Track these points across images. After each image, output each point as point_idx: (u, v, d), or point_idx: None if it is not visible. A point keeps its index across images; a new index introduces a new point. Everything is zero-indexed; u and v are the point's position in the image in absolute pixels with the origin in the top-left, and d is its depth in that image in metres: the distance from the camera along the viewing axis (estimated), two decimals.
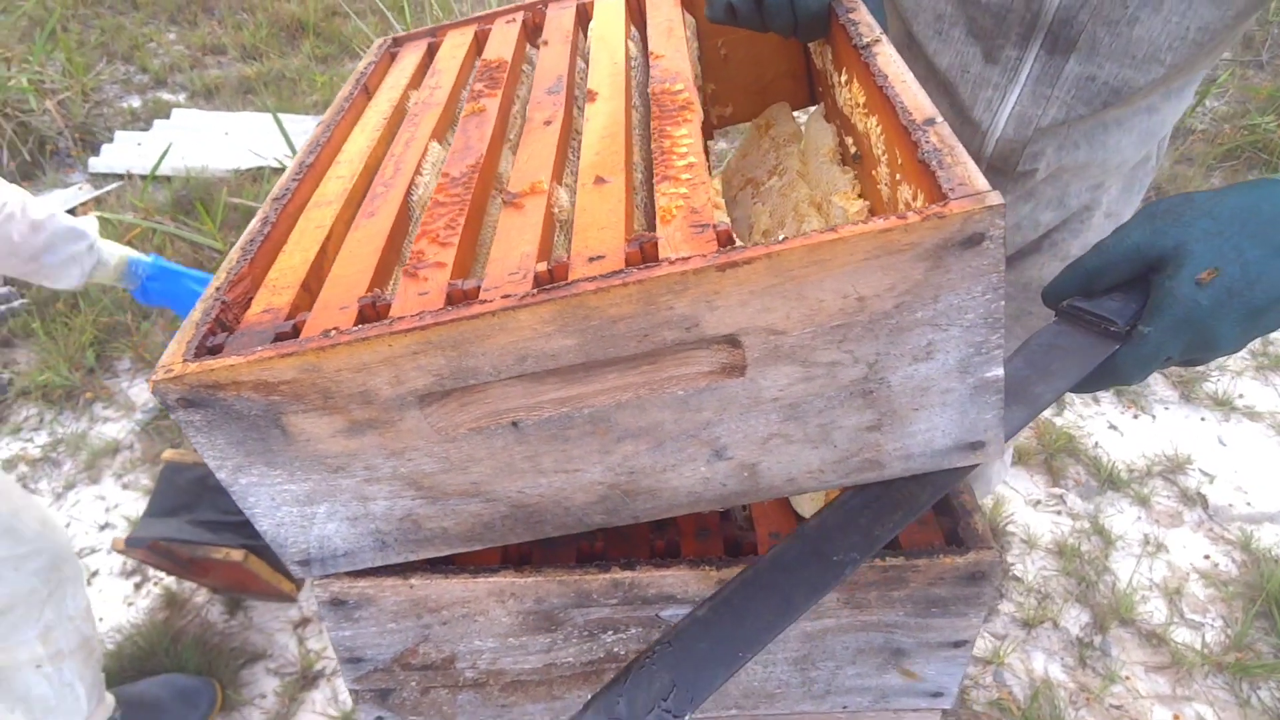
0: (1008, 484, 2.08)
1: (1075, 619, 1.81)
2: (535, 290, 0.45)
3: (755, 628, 0.49)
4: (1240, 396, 2.26)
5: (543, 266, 0.47)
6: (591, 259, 0.46)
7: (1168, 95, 0.95)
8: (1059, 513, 2.02)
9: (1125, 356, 0.55)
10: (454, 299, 0.46)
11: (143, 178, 3.02)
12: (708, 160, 0.66)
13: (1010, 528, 1.97)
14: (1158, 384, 2.31)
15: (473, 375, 0.46)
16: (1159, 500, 2.03)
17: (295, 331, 0.48)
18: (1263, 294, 0.51)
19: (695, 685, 0.46)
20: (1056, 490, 2.07)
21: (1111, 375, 0.56)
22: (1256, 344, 2.40)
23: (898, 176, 0.54)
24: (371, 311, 0.48)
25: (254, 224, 0.59)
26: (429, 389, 0.47)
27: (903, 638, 0.65)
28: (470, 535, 0.57)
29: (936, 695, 0.70)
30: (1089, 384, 0.57)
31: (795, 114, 0.95)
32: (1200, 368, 2.33)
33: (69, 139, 3.17)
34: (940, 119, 0.50)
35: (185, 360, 0.47)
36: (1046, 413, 2.23)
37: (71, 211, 2.89)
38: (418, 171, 0.62)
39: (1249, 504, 2.02)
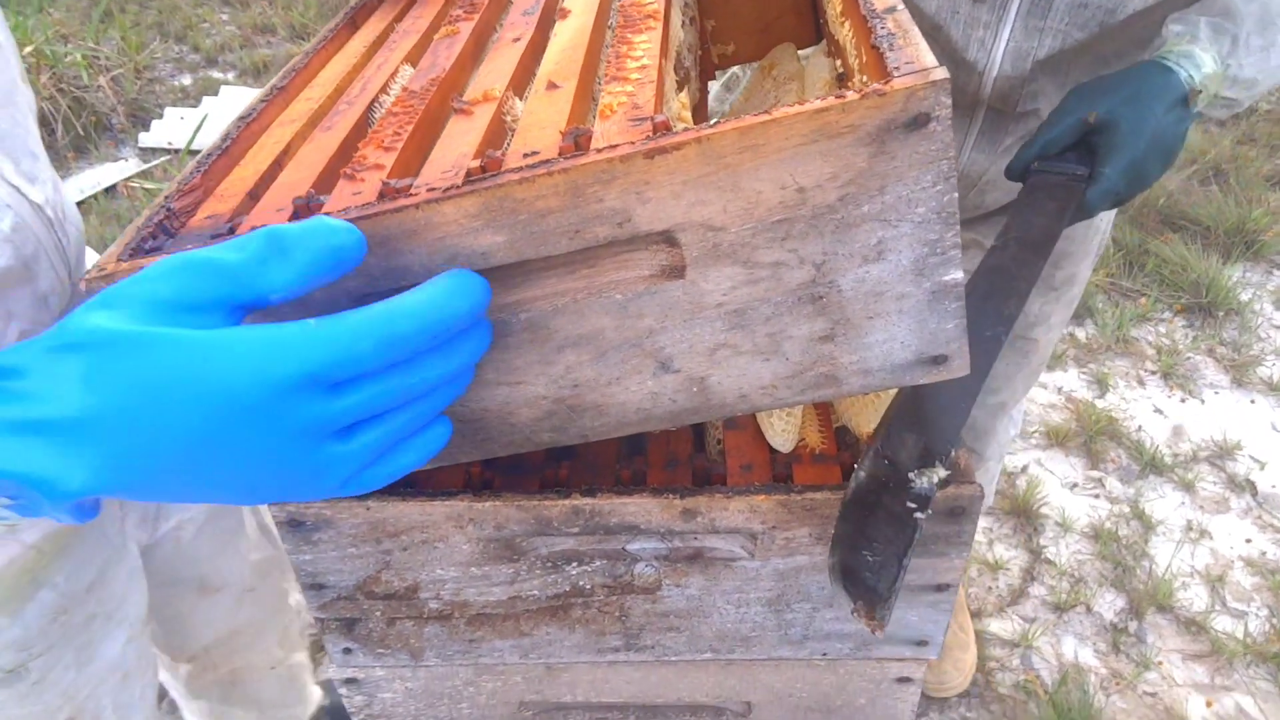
0: (1042, 465, 2.01)
1: (1110, 604, 1.75)
2: (462, 183, 0.43)
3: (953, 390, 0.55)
4: None
5: (476, 163, 0.45)
6: (526, 154, 0.45)
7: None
8: (1097, 496, 1.95)
9: (1094, 193, 0.71)
10: (385, 195, 0.45)
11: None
12: (667, 64, 0.63)
13: (1044, 510, 1.91)
14: (1208, 368, 2.22)
15: (404, 275, 0.45)
16: (1204, 486, 1.95)
17: (232, 233, 0.48)
18: (1170, 138, 0.73)
19: (943, 439, 0.54)
20: (1095, 473, 2.00)
21: (1082, 212, 0.71)
22: None
23: (865, 79, 0.51)
24: (305, 211, 0.47)
25: (214, 140, 0.58)
26: (361, 290, 0.45)
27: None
28: None
29: (921, 644, 0.67)
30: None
31: (801, 53, 0.92)
32: (1245, 354, 2.23)
33: (121, 115, 3.25)
34: (901, 7, 0.47)
35: (119, 260, 0.46)
36: (1087, 394, 2.16)
37: (113, 187, 2.97)
38: (383, 90, 0.61)
39: None
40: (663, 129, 0.44)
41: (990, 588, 1.80)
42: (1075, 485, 1.97)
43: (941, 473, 0.53)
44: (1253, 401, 2.13)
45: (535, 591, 0.64)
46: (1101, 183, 0.71)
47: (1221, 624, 1.69)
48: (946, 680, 1.59)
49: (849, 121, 0.40)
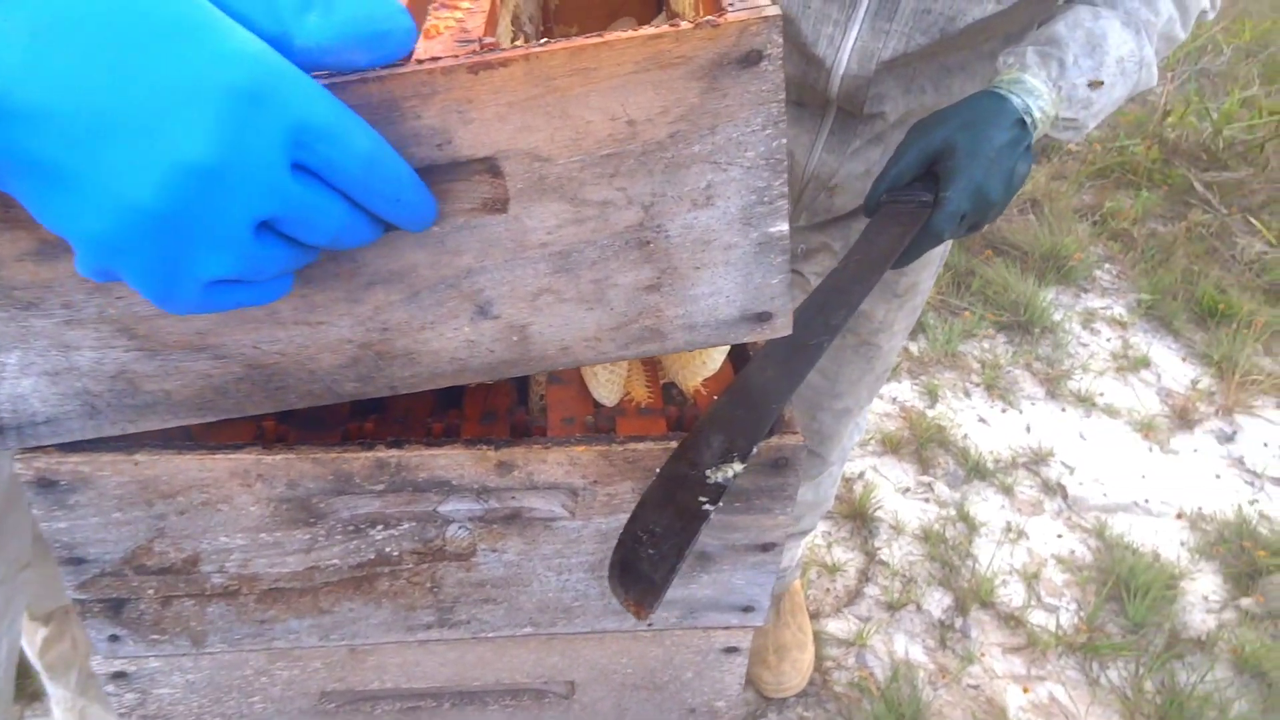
0: (878, 470, 2.09)
1: (938, 602, 1.82)
2: None
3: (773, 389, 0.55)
4: (1101, 394, 2.33)
5: None
6: None
7: (1008, 42, 0.96)
8: (927, 500, 2.04)
9: (938, 217, 0.73)
10: None
11: None
12: (504, 10, 0.60)
13: (879, 513, 1.97)
14: (1025, 381, 2.37)
15: None
16: (1022, 490, 2.07)
17: None
18: (1008, 159, 0.75)
19: (746, 438, 0.53)
20: (925, 478, 2.09)
21: (930, 235, 0.73)
22: (1117, 347, 2.49)
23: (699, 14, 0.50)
24: None
25: None
26: None
27: (706, 539, 0.60)
28: (200, 402, 0.50)
29: (747, 610, 0.65)
30: (913, 250, 0.74)
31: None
32: (1057, 368, 2.40)
33: None
34: None
35: None
36: (919, 404, 2.26)
37: None
38: None
39: (1105, 494, 2.08)
40: (490, 49, 0.40)
41: (829, 589, 1.84)
42: (908, 490, 2.06)
43: (738, 467, 0.52)
44: (1063, 410, 2.29)
45: (336, 560, 0.58)
46: (945, 206, 0.73)
47: (1036, 618, 1.79)
48: (785, 681, 1.61)
49: (682, 52, 0.39)
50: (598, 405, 0.60)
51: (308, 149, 0.34)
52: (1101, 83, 0.80)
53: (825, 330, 0.57)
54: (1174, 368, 2.45)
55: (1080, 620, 1.79)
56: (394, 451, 0.53)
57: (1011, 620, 1.79)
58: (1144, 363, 2.45)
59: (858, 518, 1.97)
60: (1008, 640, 1.77)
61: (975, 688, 1.68)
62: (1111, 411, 2.30)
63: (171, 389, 0.49)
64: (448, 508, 0.57)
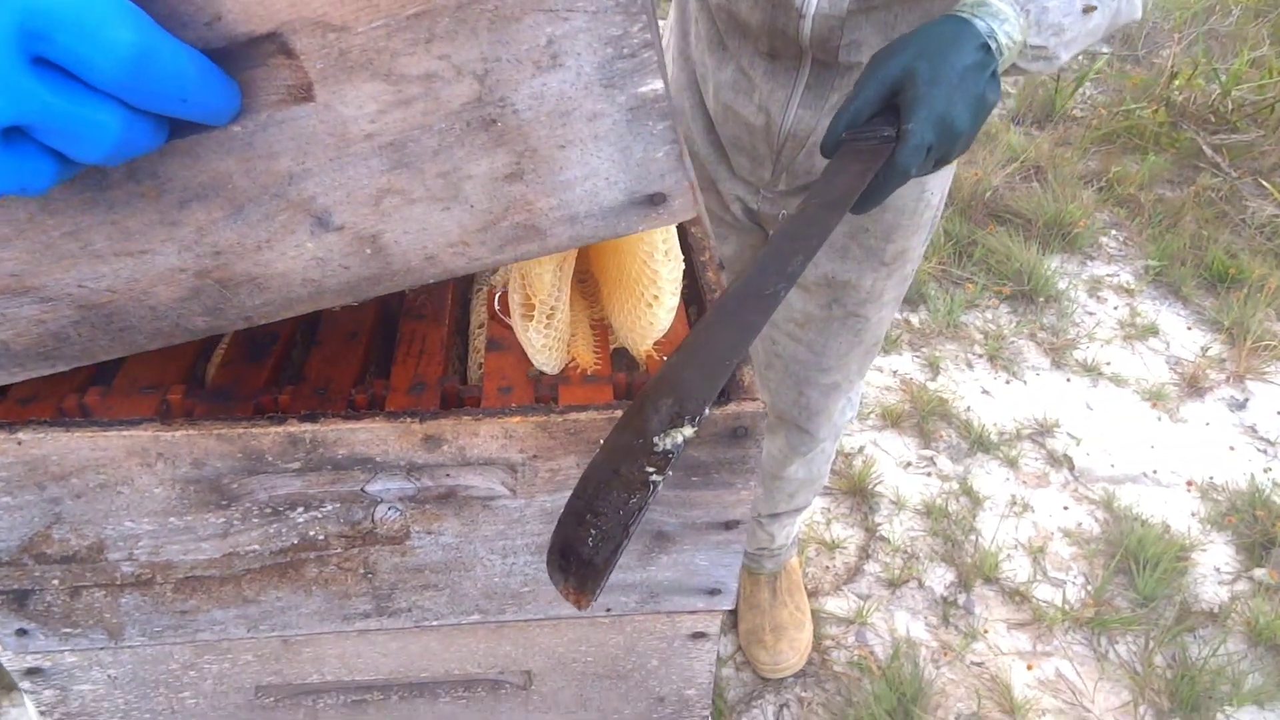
0: (878, 445, 2.03)
1: (940, 578, 1.77)
2: None
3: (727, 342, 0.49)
4: (1108, 364, 2.27)
5: None
6: None
7: None
8: (929, 474, 1.98)
9: (902, 151, 0.67)
10: None
11: None
12: None
13: (879, 489, 1.92)
14: (1030, 351, 2.31)
15: None
16: (1027, 462, 2.02)
17: None
18: (974, 84, 0.70)
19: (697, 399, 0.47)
20: (927, 452, 2.03)
21: (895, 172, 0.67)
22: (1125, 315, 2.43)
23: None
24: None
25: None
26: None
27: (663, 517, 0.55)
28: (42, 351, 0.44)
29: (713, 593, 0.60)
30: (877, 189, 0.68)
31: None
32: (1062, 338, 2.34)
33: None
34: None
35: None
36: (920, 376, 2.20)
37: None
38: None
39: (1113, 465, 2.02)
40: None
41: (827, 567, 1.79)
42: (909, 464, 2.00)
43: (688, 431, 0.46)
44: (1069, 380, 2.22)
45: (255, 546, 0.53)
46: (909, 139, 0.67)
47: (1042, 593, 1.74)
48: (782, 661, 1.56)
49: None
50: (540, 373, 0.54)
51: (49, 42, 0.29)
52: (1094, 7, 0.73)
53: (782, 278, 0.51)
54: (1183, 335, 2.38)
55: (1088, 594, 1.74)
56: (308, 426, 0.48)
57: (1016, 596, 1.74)
58: (1152, 330, 2.38)
59: (858, 493, 1.92)
60: (1012, 616, 1.72)
61: (979, 665, 1.63)
62: (1119, 381, 2.24)
63: (8, 339, 0.44)
64: (376, 487, 0.52)
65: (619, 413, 0.50)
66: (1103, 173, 2.98)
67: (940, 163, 0.72)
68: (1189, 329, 2.41)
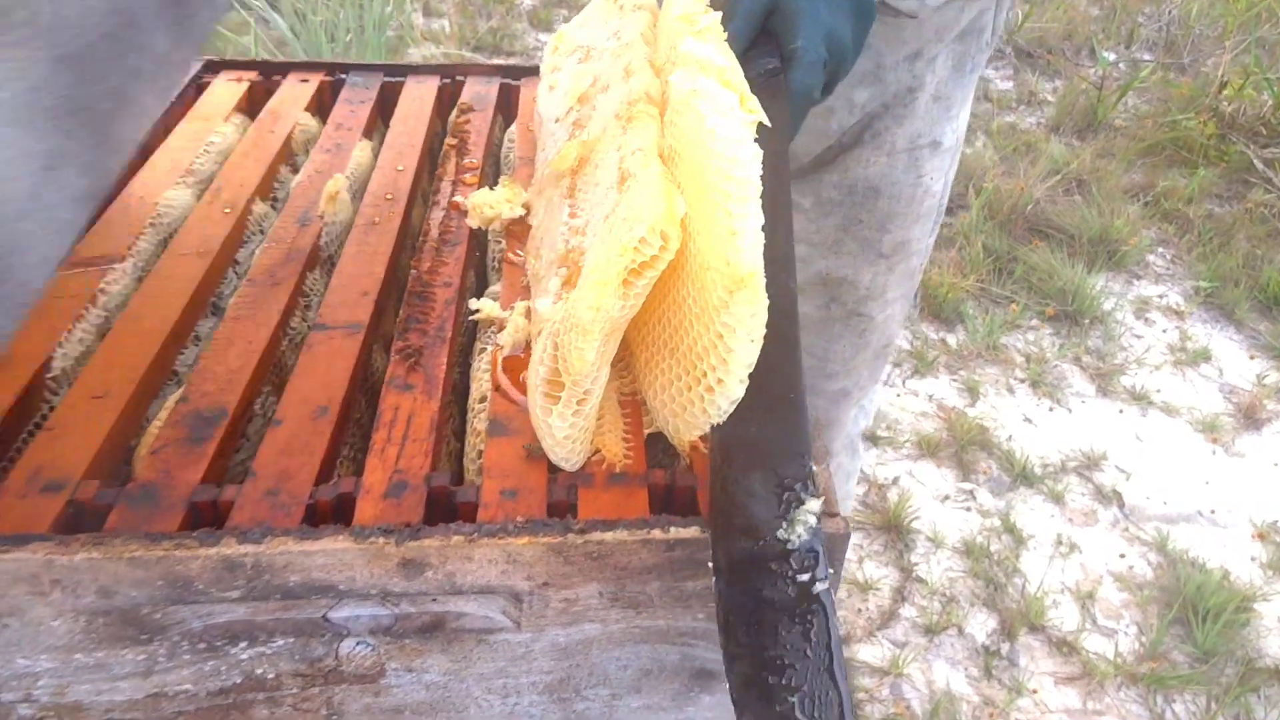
0: (913, 476, 1.91)
1: (982, 625, 1.64)
2: None
3: None
4: (1158, 391, 2.13)
5: None
6: None
7: None
8: (968, 509, 1.85)
9: (797, 76, 0.61)
10: None
11: None
12: None
13: (916, 524, 1.80)
14: (1074, 377, 2.18)
15: None
16: (1073, 497, 1.89)
17: None
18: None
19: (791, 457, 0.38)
20: (966, 485, 1.90)
21: (798, 99, 0.61)
22: (1174, 339, 2.29)
23: None
24: None
25: None
26: None
27: (704, 653, 0.43)
28: None
29: None
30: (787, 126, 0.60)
31: None
32: (1109, 363, 2.20)
33: None
34: None
35: None
36: (959, 402, 2.08)
37: None
38: None
39: (1165, 503, 1.88)
40: None
41: (860, 609, 1.67)
42: (947, 497, 1.88)
43: (814, 505, 0.35)
44: (1118, 409, 2.09)
45: (187, 686, 0.42)
46: (801, 58, 0.61)
47: (1092, 643, 1.61)
48: None
49: None
50: (554, 469, 0.43)
51: None
52: None
53: (777, 266, 0.41)
54: (1238, 361, 2.24)
55: (1142, 646, 1.61)
56: (249, 547, 0.37)
57: (1064, 646, 1.61)
58: (1204, 356, 2.24)
59: (892, 529, 1.80)
60: (1060, 669, 1.59)
61: None
62: (1170, 410, 2.10)
63: None
64: (341, 614, 0.40)
65: (657, 533, 0.38)
66: (1148, 186, 2.84)
67: (830, 84, 0.65)
68: (1248, 353, 2.26)
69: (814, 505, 0.36)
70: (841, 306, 1.05)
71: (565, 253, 0.45)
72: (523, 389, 0.44)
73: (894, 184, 0.95)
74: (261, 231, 0.61)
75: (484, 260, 0.63)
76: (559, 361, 0.39)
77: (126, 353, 0.47)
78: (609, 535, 0.38)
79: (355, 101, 0.75)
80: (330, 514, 0.41)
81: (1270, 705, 1.51)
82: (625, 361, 0.48)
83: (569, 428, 0.40)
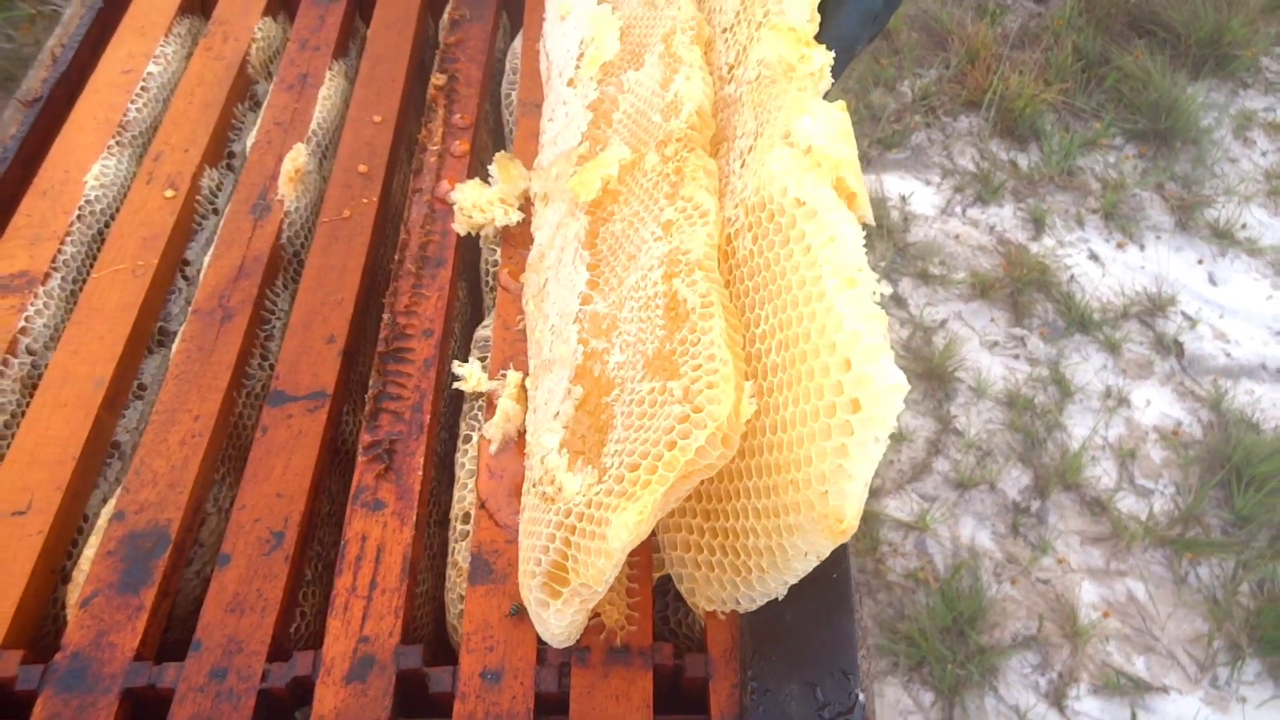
0: (962, 319, 1.81)
1: (1015, 481, 1.62)
2: None
3: None
4: (1243, 227, 1.96)
5: None
6: None
7: None
8: (1016, 356, 1.78)
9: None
10: None
11: None
12: None
13: (960, 373, 1.73)
14: (1153, 207, 1.99)
15: None
16: (1130, 347, 1.79)
17: None
18: None
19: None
20: (1018, 331, 1.81)
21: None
22: (1274, 163, 2.06)
23: None
24: None
25: None
26: None
27: None
28: None
29: None
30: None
31: None
32: (1196, 193, 2.00)
33: None
34: None
35: None
36: (1021, 235, 1.93)
37: None
38: None
39: (1229, 355, 1.78)
40: None
41: (892, 461, 1.65)
42: (995, 344, 1.79)
43: (859, 697, 0.30)
44: (1196, 246, 1.93)
45: None
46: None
47: (1126, 504, 1.59)
48: None
49: None
50: (543, 644, 0.36)
51: None
52: None
53: None
54: None
55: (1177, 508, 1.58)
56: None
57: (1096, 506, 1.59)
58: None
59: (934, 377, 1.73)
60: (1088, 528, 1.58)
61: (1045, 582, 1.52)
62: (1253, 249, 1.93)
63: None
64: None
65: None
66: None
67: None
68: None
69: (860, 696, 0.30)
70: None
71: (581, 364, 0.36)
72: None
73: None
74: (215, 210, 0.51)
75: (476, 273, 0.53)
76: (570, 561, 0.31)
77: (55, 426, 0.40)
78: None
79: (324, 1, 0.60)
80: (286, 700, 0.35)
81: None
82: None
83: (565, 625, 0.33)
